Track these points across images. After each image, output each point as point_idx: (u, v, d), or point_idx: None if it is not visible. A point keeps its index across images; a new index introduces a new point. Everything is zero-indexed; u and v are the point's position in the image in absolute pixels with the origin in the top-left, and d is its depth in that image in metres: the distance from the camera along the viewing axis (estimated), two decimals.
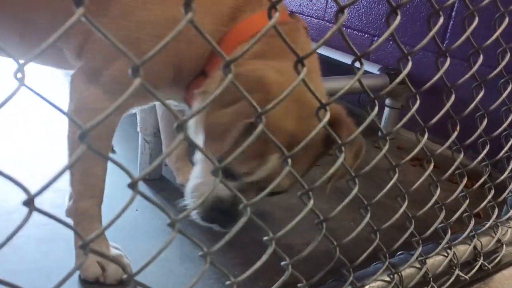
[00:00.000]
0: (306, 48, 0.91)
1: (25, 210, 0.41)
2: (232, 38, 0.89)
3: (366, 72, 2.13)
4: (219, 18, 0.89)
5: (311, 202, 0.65)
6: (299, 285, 0.74)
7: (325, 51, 2.27)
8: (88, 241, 0.44)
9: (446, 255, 1.05)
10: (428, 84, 0.75)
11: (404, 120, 0.76)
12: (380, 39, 0.64)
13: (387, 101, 2.12)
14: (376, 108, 0.69)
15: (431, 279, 1.02)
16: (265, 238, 0.63)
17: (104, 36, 0.41)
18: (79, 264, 0.86)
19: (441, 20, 0.71)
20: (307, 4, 2.66)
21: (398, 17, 0.64)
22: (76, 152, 0.43)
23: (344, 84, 0.64)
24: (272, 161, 0.82)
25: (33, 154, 1.49)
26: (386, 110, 2.13)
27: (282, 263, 0.69)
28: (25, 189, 0.40)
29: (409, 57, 0.72)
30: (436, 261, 1.04)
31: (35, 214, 0.41)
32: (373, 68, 2.10)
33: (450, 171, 0.92)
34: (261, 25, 0.87)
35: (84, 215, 0.98)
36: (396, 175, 0.81)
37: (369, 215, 0.80)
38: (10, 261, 1.00)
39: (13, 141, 1.57)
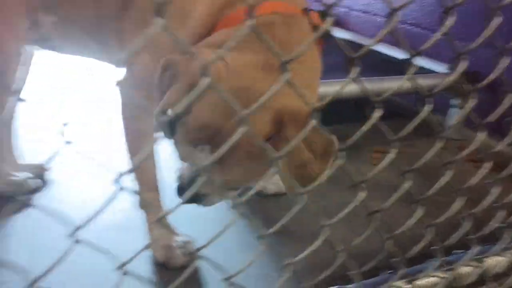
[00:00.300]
0: (287, 45, 0.80)
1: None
2: (221, 26, 0.91)
3: (433, 71, 2.11)
4: (212, 7, 0.93)
5: (362, 194, 0.69)
6: (349, 272, 0.79)
7: (392, 51, 2.26)
8: (163, 215, 0.52)
9: (507, 256, 1.04)
10: (484, 82, 0.76)
11: (460, 117, 0.78)
12: (433, 39, 0.66)
13: (453, 101, 2.07)
14: (428, 107, 0.71)
15: (489, 279, 1.01)
16: (319, 225, 0.69)
17: (176, 39, 0.48)
18: (151, 241, 0.96)
19: (498, 19, 0.72)
20: (374, 3, 2.65)
21: (453, 17, 0.66)
22: (155, 138, 0.51)
23: (400, 83, 0.68)
24: (200, 153, 0.79)
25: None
26: (452, 110, 2.08)
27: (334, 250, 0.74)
28: (111, 171, 0.49)
29: (465, 56, 0.74)
30: (494, 261, 1.02)
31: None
32: (442, 68, 2.06)
33: (508, 169, 0.91)
34: (260, 11, 0.84)
35: (149, 206, 1.09)
36: (451, 173, 0.82)
37: (422, 210, 0.82)
38: (89, 244, 1.13)
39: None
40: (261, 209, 1.37)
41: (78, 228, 0.50)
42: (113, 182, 0.49)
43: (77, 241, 0.50)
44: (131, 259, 0.56)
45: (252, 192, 0.60)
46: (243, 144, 0.71)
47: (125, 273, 0.55)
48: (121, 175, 0.49)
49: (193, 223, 1.28)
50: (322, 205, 1.40)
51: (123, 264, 0.55)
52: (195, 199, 0.90)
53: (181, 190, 0.90)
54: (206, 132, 0.77)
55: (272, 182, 1.44)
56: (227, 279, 0.63)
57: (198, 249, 0.61)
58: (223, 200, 0.94)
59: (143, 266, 1.09)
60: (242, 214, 0.63)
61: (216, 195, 0.91)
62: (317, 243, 0.67)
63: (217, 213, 1.33)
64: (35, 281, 0.49)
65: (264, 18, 0.86)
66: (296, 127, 0.71)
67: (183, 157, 0.84)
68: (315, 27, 0.89)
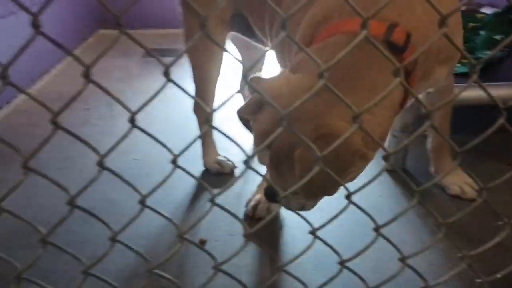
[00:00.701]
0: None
1: None
2: (315, 41, 0.99)
3: None
4: (310, 24, 1.04)
5: None
6: None
7: None
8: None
9: None
10: None
11: None
12: None
13: None
14: None
15: None
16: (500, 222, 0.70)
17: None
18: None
19: None
20: None
21: None
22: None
23: None
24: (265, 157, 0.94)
25: None
26: None
27: None
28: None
29: None
30: None
31: None
32: None
33: None
34: (337, 29, 0.94)
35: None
36: None
37: None
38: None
39: None
40: (438, 206, 1.38)
41: (282, 197, 0.64)
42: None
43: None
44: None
45: (433, 182, 0.66)
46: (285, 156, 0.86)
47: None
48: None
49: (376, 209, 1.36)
50: (504, 210, 1.33)
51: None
52: (276, 199, 1.03)
53: (267, 191, 1.08)
54: (266, 138, 0.87)
55: (456, 183, 1.42)
56: (402, 259, 0.70)
57: (380, 226, 0.70)
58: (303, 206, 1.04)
59: None
60: (419, 203, 0.69)
61: (293, 200, 1.02)
62: (496, 240, 0.68)
63: (391, 207, 1.39)
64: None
65: (334, 38, 0.93)
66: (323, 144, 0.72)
67: (258, 159, 0.99)
68: (392, 48, 0.88)
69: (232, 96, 0.57)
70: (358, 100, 0.72)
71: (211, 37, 0.55)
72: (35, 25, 0.48)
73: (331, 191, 0.87)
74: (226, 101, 0.56)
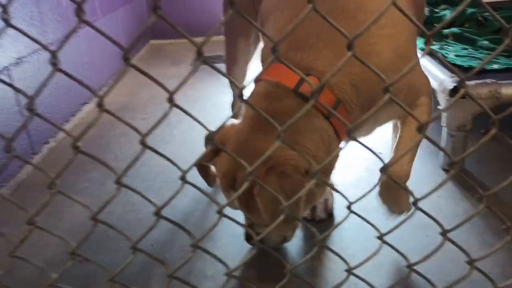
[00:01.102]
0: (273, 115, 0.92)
1: None
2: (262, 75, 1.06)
3: None
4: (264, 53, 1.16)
5: None
6: None
7: None
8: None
9: None
10: None
11: None
12: None
13: None
14: None
15: None
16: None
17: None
18: None
19: None
20: None
21: None
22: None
23: None
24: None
25: None
26: None
27: None
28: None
29: None
30: None
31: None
32: None
33: None
34: (263, 76, 1.02)
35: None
36: None
37: None
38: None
39: None
40: (503, 207, 1.36)
41: (352, 203, 0.67)
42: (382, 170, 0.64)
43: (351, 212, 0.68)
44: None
45: (501, 186, 0.67)
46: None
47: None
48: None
49: (437, 210, 1.36)
50: None
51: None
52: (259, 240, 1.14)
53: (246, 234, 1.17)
54: (227, 179, 1.00)
55: None
56: (470, 262, 0.72)
57: (447, 231, 0.71)
58: (285, 238, 1.14)
59: None
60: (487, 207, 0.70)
61: (273, 235, 1.09)
62: None
63: (450, 206, 1.38)
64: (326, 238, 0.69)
65: (259, 85, 1.02)
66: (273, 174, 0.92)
67: (229, 204, 1.04)
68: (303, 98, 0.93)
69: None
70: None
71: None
72: (126, 57, 0.54)
73: (297, 213, 0.95)
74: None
